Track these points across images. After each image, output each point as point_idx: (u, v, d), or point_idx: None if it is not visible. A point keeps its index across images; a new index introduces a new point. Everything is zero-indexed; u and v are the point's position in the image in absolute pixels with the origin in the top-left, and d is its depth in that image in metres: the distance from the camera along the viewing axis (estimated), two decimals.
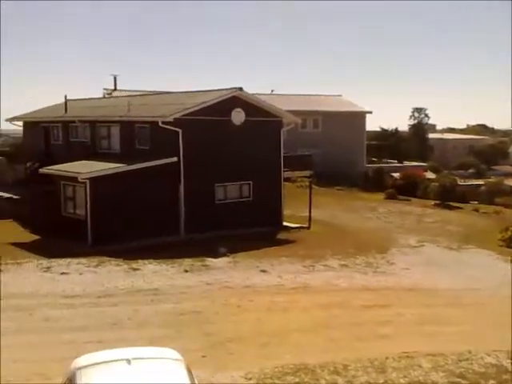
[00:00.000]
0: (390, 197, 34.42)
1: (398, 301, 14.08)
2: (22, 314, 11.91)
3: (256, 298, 13.86)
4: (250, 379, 8.69)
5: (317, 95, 44.41)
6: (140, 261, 16.83)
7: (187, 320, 11.97)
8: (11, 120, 32.61)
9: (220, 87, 24.11)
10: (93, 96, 35.29)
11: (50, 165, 23.47)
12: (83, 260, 16.57)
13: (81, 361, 6.34)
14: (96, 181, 20.13)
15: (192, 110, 22.01)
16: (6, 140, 45.26)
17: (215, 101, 22.52)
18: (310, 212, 24.43)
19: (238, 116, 22.98)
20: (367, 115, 43.58)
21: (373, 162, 45.21)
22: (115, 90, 38.29)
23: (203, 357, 9.59)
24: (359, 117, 42.86)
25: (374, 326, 11.97)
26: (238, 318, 12.34)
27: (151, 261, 16.93)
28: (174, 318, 12.16)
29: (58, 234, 19.69)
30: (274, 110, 24.69)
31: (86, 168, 21.44)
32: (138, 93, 33.58)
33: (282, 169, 24.71)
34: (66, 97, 28.90)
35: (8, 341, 10.14)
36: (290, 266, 17.15)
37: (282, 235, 22.57)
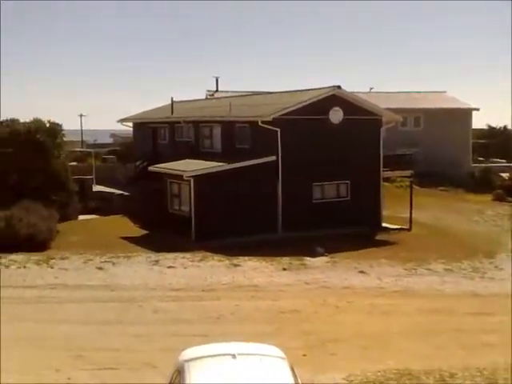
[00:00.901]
0: (499, 198, 32.36)
1: (506, 309, 13.23)
2: (131, 306, 12.62)
3: (355, 299, 13.65)
4: (352, 381, 8.58)
5: (419, 92, 42.78)
6: (240, 257, 17.19)
7: (286, 318, 12.05)
8: (122, 121, 34.62)
9: (320, 86, 23.99)
10: (197, 98, 36.50)
11: (158, 163, 24.65)
12: (188, 255, 17.23)
13: (188, 353, 6.54)
14: (199, 179, 20.83)
15: (291, 109, 22.10)
16: (116, 140, 48.07)
17: (313, 100, 22.44)
18: (410, 213, 23.58)
19: (336, 115, 22.72)
20: (474, 112, 41.28)
21: (479, 162, 42.72)
22: (217, 91, 39.35)
23: (304, 356, 9.60)
24: (465, 114, 40.66)
25: (480, 333, 11.34)
26: (337, 318, 12.22)
27: (251, 258, 17.23)
28: (273, 315, 12.29)
29: (165, 229, 20.64)
30: (373, 108, 24.14)
31: (190, 166, 22.27)
32: (238, 94, 34.26)
33: (381, 168, 24.10)
34: (172, 99, 30.16)
35: (121, 330, 10.81)
36: (390, 269, 16.68)
37: (380, 236, 22.01)
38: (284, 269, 16.22)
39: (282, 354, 6.47)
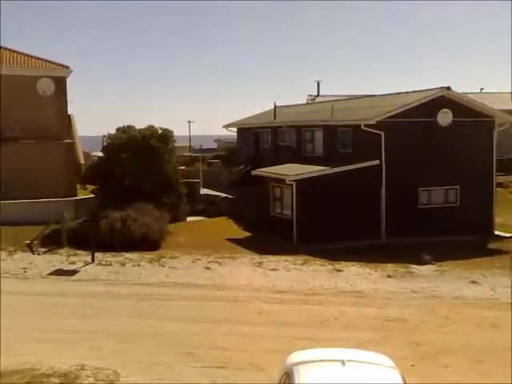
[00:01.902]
0: None
1: None
2: (237, 306, 12.88)
3: (466, 310, 12.92)
4: None
5: None
6: (343, 262, 16.95)
7: (393, 326, 11.67)
8: (227, 127, 35.60)
9: (428, 87, 23.11)
10: (298, 102, 36.62)
11: (260, 167, 25.04)
12: (290, 258, 17.30)
13: (296, 356, 6.51)
14: (301, 183, 20.86)
15: (395, 112, 21.49)
16: (221, 145, 49.51)
17: (421, 102, 21.66)
18: None
19: (444, 117, 21.76)
20: None
21: None
22: (318, 95, 39.25)
23: (412, 366, 9.24)
24: None
25: None
26: (447, 329, 11.63)
27: (353, 263, 16.93)
28: (378, 322, 11.96)
29: (267, 232, 20.91)
30: (485, 109, 22.81)
31: (292, 170, 22.38)
32: (340, 97, 33.91)
33: (494, 173, 22.69)
34: (275, 104, 30.53)
35: (228, 329, 11.07)
36: (504, 280, 15.59)
37: (493, 245, 20.69)
38: (389, 276, 15.75)
39: (392, 364, 6.25)
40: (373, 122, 21.20)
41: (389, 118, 21.30)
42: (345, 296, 13.87)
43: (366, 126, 21.30)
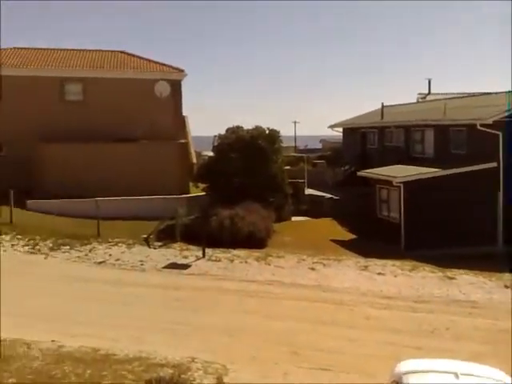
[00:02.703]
0: None
1: None
2: (343, 309, 12.72)
3: None
4: None
5: None
6: (454, 270, 16.11)
7: (509, 340, 10.90)
8: (333, 127, 35.30)
9: None
10: (407, 101, 35.40)
11: (366, 168, 24.54)
12: (397, 263, 16.77)
13: (405, 365, 6.31)
14: (410, 185, 20.15)
15: None
16: (325, 145, 49.21)
17: None
18: None
19: None
20: None
21: None
22: (429, 93, 37.63)
23: None
24: None
25: None
26: None
27: (466, 271, 16.02)
28: (493, 335, 11.23)
29: (373, 235, 20.43)
30: None
31: (400, 172, 21.68)
32: (453, 95, 32.26)
33: None
34: (382, 104, 29.77)
35: (334, 332, 10.99)
36: None
37: None
38: (506, 286, 14.71)
39: (508, 380, 5.88)
40: (489, 121, 19.97)
41: (508, 116, 19.93)
42: (457, 305, 13.17)
43: (481, 125, 20.10)
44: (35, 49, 30.62)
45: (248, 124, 25.15)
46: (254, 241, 18.78)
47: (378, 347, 10.21)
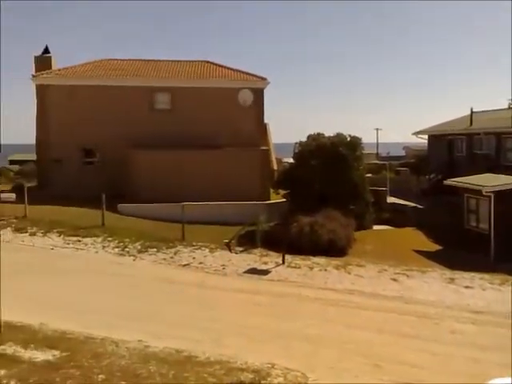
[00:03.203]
0: None
1: None
2: (427, 322, 12.23)
3: None
4: None
5: None
6: None
7: None
8: (417, 134, 34.19)
9: None
10: (499, 107, 33.57)
11: (453, 177, 23.52)
12: (486, 276, 15.89)
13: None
14: (501, 195, 19.07)
15: None
16: (409, 153, 47.77)
17: None
18: None
19: None
20: None
21: None
22: None
23: None
24: None
25: None
26: None
27: None
28: None
29: (460, 246, 19.52)
30: None
31: (490, 181, 20.59)
32: None
33: None
34: (471, 109, 28.44)
35: (416, 345, 10.58)
36: None
37: None
38: None
39: None
40: None
41: None
42: None
43: None
44: (127, 60, 32.25)
45: (329, 131, 24.98)
46: (333, 249, 18.57)
47: (464, 363, 9.70)
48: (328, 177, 22.18)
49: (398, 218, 24.15)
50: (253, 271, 16.05)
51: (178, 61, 32.71)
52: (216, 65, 32.31)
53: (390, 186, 27.72)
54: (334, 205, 20.88)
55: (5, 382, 6.99)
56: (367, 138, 31.34)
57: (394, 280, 15.57)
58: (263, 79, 29.98)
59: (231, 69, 31.62)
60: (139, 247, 18.04)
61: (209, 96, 29.31)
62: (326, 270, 16.42)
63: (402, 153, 51.82)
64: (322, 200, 21.32)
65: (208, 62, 32.85)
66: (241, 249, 18.64)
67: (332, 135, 24.41)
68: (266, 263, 16.91)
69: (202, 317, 11.78)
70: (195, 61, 32.89)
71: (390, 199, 26.63)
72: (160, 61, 32.53)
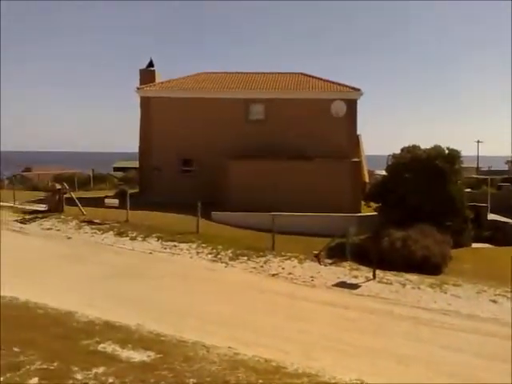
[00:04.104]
0: None
1: None
2: None
3: None
4: None
5: None
6: None
7: None
8: None
9: None
10: None
11: None
12: None
13: None
14: None
15: None
16: None
17: None
18: None
19: None
20: None
21: None
22: None
23: None
24: None
25: None
26: None
27: None
28: None
29: None
30: None
31: None
32: None
33: None
34: None
35: (505, 369, 9.83)
36: None
37: None
38: None
39: None
40: None
41: None
42: None
43: None
44: (224, 73, 33.21)
45: (425, 143, 24.05)
46: (428, 266, 17.75)
47: None
48: (423, 191, 21.32)
49: (499, 236, 22.68)
50: (342, 285, 15.76)
51: (273, 73, 33.14)
52: (310, 76, 32.35)
53: (491, 202, 26.10)
54: (429, 220, 20.00)
55: (103, 379, 7.35)
56: (467, 150, 29.81)
57: (494, 302, 14.60)
58: (357, 90, 29.55)
59: (325, 80, 31.50)
60: (231, 255, 18.37)
61: (302, 107, 29.38)
62: (419, 287, 15.74)
63: (505, 167, 48.74)
64: (415, 214, 20.51)
65: (302, 73, 32.97)
66: (330, 261, 18.39)
67: (428, 147, 23.46)
68: (355, 277, 16.54)
69: (290, 327, 11.73)
70: (289, 73, 33.15)
71: (491, 216, 25.05)
72: (255, 73, 33.14)
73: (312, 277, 16.42)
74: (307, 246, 20.06)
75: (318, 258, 18.59)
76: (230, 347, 9.72)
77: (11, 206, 24.68)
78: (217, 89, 30.31)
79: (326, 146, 28.44)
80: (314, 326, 11.96)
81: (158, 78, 32.41)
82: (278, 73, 33.19)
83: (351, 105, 29.20)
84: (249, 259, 17.99)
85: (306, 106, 29.40)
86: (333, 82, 31.02)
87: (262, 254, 18.64)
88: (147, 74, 32.19)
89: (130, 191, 25.52)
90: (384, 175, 25.67)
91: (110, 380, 7.33)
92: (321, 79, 31.72)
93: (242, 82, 31.35)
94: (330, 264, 18.06)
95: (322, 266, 17.73)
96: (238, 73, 33.19)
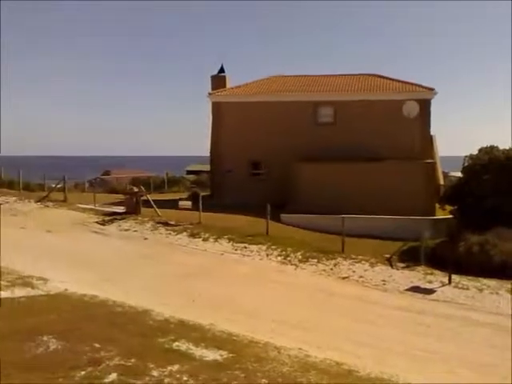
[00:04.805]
0: None
1: None
2: None
3: None
4: None
5: None
6: None
7: None
8: None
9: None
10: None
11: None
12: None
13: None
14: None
15: None
16: None
17: None
18: None
19: None
20: None
21: None
22: None
23: None
24: None
25: None
26: None
27: None
28: None
29: None
30: None
31: None
32: None
33: None
34: None
35: None
36: None
37: None
38: None
39: None
40: None
41: None
42: None
43: None
44: (294, 76, 33.21)
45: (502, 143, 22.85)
46: (507, 271, 16.80)
47: None
48: (502, 193, 20.23)
49: None
50: (416, 289, 15.25)
51: (343, 75, 32.72)
52: (381, 77, 31.65)
53: None
54: (509, 223, 18.93)
55: (178, 376, 7.51)
56: None
57: None
58: (430, 90, 28.56)
59: (397, 80, 30.70)
60: (300, 257, 18.30)
61: (372, 108, 28.81)
62: (497, 293, 14.97)
63: None
64: (493, 218, 19.50)
65: (374, 74, 32.33)
66: (402, 265, 17.86)
67: (507, 148, 22.28)
68: (430, 282, 15.96)
69: (362, 331, 11.50)
70: (360, 74, 32.60)
71: None
72: (325, 76, 32.87)
73: (384, 280, 16.03)
74: (378, 249, 19.61)
75: (390, 262, 18.12)
76: (300, 349, 9.66)
77: (91, 209, 25.90)
78: (285, 92, 30.34)
79: (398, 147, 27.70)
80: (386, 331, 11.66)
81: (229, 83, 32.92)
82: (349, 74, 32.73)
83: (424, 105, 28.26)
84: (318, 261, 17.83)
85: (377, 107, 28.80)
86: (405, 82, 30.16)
87: (331, 256, 18.43)
88: (218, 80, 32.78)
89: (202, 194, 26.05)
90: (459, 177, 24.62)
91: (185, 378, 7.48)
92: (392, 79, 30.94)
93: (311, 85, 31.18)
94: (403, 268, 17.54)
95: (395, 270, 17.25)
96: (308, 76, 33.06)
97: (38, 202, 27.30)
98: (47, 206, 26.41)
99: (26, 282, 13.03)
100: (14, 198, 28.05)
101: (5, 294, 11.72)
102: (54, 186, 30.74)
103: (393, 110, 28.44)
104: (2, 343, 8.41)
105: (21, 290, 12.21)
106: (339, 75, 32.73)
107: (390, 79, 31.07)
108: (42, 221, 22.90)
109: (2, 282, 12.68)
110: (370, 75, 32.29)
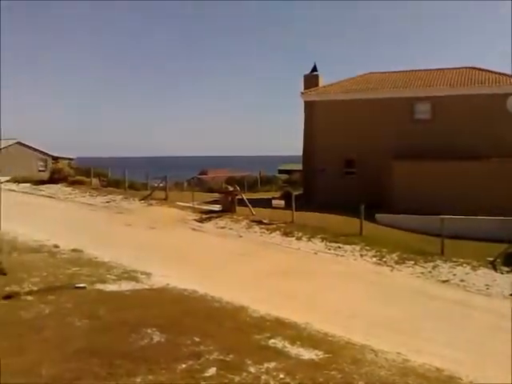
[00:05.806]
0: None
1: None
2: None
3: None
4: None
5: None
6: None
7: None
8: None
9: None
10: None
11: None
12: None
13: None
14: None
15: None
16: None
17: None
18: None
19: None
20: None
21: None
22: None
23: None
24: None
25: None
26: None
27: None
28: None
29: None
30: None
31: None
32: None
33: None
34: None
35: None
36: None
37: None
38: None
39: None
40: None
41: None
42: None
43: None
44: (387, 72, 32.23)
45: None
46: None
47: None
48: None
49: None
50: None
51: (440, 69, 31.25)
52: (482, 70, 29.81)
53: None
54: None
55: (274, 374, 7.54)
56: None
57: None
58: None
59: (498, 73, 28.74)
60: (396, 258, 17.68)
61: (472, 103, 27.22)
62: None
63: None
64: None
65: (472, 67, 30.54)
66: (507, 269, 16.66)
67: None
68: None
69: (464, 337, 10.87)
70: (459, 68, 30.94)
71: None
72: (420, 70, 31.58)
73: (487, 285, 15.05)
74: (480, 251, 18.46)
75: (493, 265, 16.98)
76: (398, 353, 9.32)
77: (190, 207, 26.83)
78: (379, 89, 29.51)
79: (499, 144, 25.92)
80: (489, 338, 10.93)
81: (321, 82, 32.64)
82: (447, 68, 31.18)
83: None
84: (416, 263, 17.12)
85: (477, 101, 27.15)
86: (509, 75, 28.15)
87: (430, 258, 17.62)
88: (311, 79, 32.63)
89: (294, 193, 26.04)
90: None
91: (281, 375, 7.49)
92: (494, 72, 29.02)
93: (406, 81, 30.07)
94: (508, 272, 16.36)
95: (499, 274, 16.15)
96: (402, 71, 31.93)
97: (141, 200, 28.79)
98: (150, 204, 27.76)
99: (131, 276, 13.77)
100: (120, 197, 29.81)
101: (112, 287, 12.46)
102: (156, 185, 32.27)
103: (495, 105, 26.65)
104: (112, 333, 8.94)
105: (127, 283, 12.92)
106: (436, 69, 31.28)
107: (490, 71, 29.17)
108: (145, 218, 24.10)
109: (110, 276, 13.50)
110: (468, 68, 30.55)
